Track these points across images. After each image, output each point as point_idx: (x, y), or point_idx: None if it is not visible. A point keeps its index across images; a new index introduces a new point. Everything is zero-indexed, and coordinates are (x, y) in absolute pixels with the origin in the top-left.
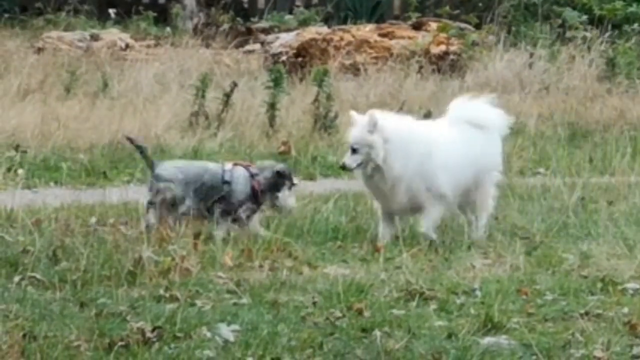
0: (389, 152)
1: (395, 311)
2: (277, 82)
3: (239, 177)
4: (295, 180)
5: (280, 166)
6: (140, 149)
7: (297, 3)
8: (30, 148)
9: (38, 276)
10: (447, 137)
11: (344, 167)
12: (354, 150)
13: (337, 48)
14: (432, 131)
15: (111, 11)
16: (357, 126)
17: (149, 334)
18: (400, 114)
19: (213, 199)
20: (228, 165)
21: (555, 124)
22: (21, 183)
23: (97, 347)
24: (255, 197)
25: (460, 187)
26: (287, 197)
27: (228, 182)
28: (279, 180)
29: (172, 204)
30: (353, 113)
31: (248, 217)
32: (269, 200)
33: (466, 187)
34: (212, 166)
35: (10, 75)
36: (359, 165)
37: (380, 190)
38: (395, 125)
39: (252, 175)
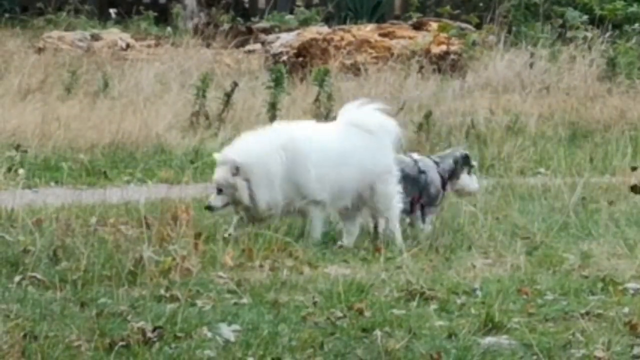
0: (254, 191)
1: (395, 311)
2: (277, 82)
3: (432, 167)
4: (474, 162)
5: (459, 152)
6: None
7: (298, 3)
8: (30, 148)
9: (39, 276)
10: (329, 142)
11: (209, 208)
12: (220, 191)
13: (337, 48)
14: (311, 137)
15: (112, 11)
16: (220, 167)
17: (149, 334)
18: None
19: (413, 191)
20: (416, 156)
21: (555, 123)
22: (22, 183)
23: (98, 347)
24: (443, 186)
25: (346, 191)
26: (469, 181)
27: (424, 172)
28: (459, 166)
29: None
30: (216, 155)
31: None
32: (452, 187)
33: (356, 191)
34: (403, 157)
35: (10, 75)
36: (225, 205)
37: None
38: (254, 158)
39: (437, 164)
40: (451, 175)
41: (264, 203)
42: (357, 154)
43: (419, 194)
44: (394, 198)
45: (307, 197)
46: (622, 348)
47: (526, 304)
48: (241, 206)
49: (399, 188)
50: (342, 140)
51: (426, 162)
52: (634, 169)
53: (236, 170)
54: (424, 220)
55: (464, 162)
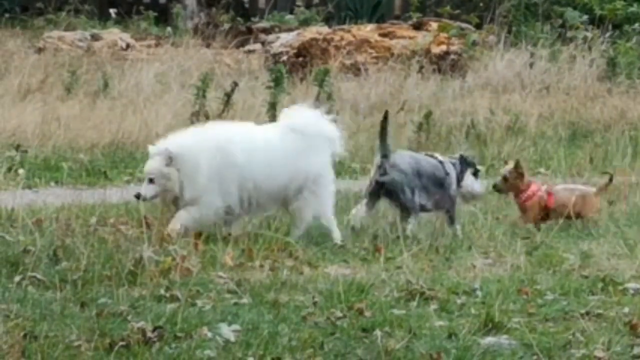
0: (183, 180)
1: (395, 311)
2: (277, 82)
3: (452, 169)
4: (479, 167)
5: (462, 154)
6: (384, 134)
7: (298, 3)
8: (30, 148)
9: (39, 276)
10: (262, 144)
11: (138, 197)
12: (151, 180)
13: (337, 48)
14: (243, 139)
15: (112, 11)
16: (154, 157)
17: (149, 334)
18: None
19: (438, 192)
20: (440, 157)
21: (555, 123)
22: (22, 183)
23: (98, 347)
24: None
25: (274, 192)
26: (472, 184)
27: (448, 174)
28: (462, 168)
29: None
30: (150, 146)
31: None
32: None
33: (285, 193)
34: (431, 159)
35: (10, 75)
36: (154, 196)
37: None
38: (189, 151)
39: (454, 165)
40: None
41: (188, 194)
42: (289, 157)
43: (442, 195)
44: (327, 199)
45: (225, 197)
46: (622, 348)
47: (526, 304)
48: (170, 196)
49: (332, 189)
50: (275, 143)
51: (449, 165)
52: (604, 172)
53: (170, 161)
54: (452, 222)
55: (468, 164)
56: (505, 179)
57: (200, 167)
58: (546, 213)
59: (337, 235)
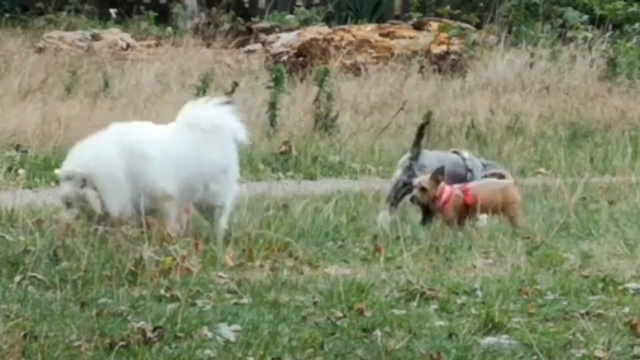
0: (104, 199)
1: (396, 311)
2: (277, 82)
3: (478, 167)
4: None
5: (499, 170)
6: (419, 138)
7: (298, 3)
8: (31, 148)
9: (39, 276)
10: (168, 141)
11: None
12: (69, 204)
13: (338, 48)
14: (147, 138)
15: (112, 11)
16: (66, 182)
17: (149, 334)
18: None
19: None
20: (466, 154)
21: (556, 123)
22: (22, 183)
23: (98, 347)
24: None
25: (186, 189)
26: None
27: (470, 171)
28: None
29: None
30: (57, 171)
31: None
32: None
33: (193, 189)
34: (452, 155)
35: (11, 75)
36: (75, 217)
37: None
38: (100, 167)
39: (484, 167)
40: None
41: (115, 209)
42: (194, 152)
43: None
44: (227, 196)
45: (155, 197)
46: (623, 348)
47: (526, 304)
48: (94, 214)
49: (235, 186)
50: (177, 140)
51: (474, 162)
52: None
53: (83, 182)
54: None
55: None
56: (423, 189)
57: (117, 179)
58: (466, 210)
59: (220, 230)
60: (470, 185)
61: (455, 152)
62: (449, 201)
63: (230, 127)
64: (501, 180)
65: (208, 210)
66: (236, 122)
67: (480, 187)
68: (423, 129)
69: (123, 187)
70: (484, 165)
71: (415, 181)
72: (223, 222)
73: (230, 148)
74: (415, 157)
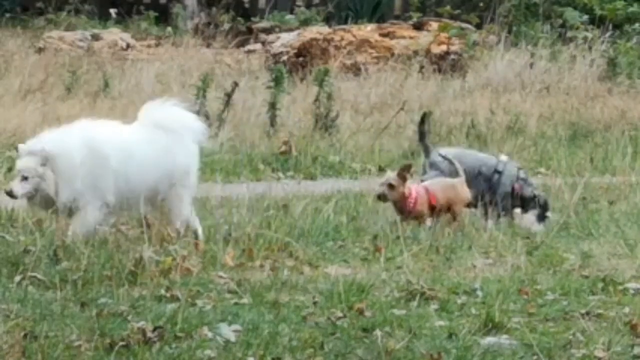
0: (58, 182)
1: (396, 311)
2: (278, 82)
3: (511, 172)
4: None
5: (537, 194)
6: (422, 135)
7: (298, 3)
8: None
9: (39, 276)
10: (130, 143)
11: (10, 194)
12: (25, 178)
13: (338, 48)
14: (112, 137)
15: (112, 11)
16: (29, 156)
17: (149, 334)
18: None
19: (483, 188)
20: (503, 157)
21: (556, 123)
22: None
23: (98, 347)
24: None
25: (141, 191)
26: (532, 224)
27: (499, 173)
28: (532, 202)
29: None
30: (21, 145)
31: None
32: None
33: (160, 190)
34: (486, 156)
35: (11, 75)
36: (27, 193)
37: (45, 208)
38: (64, 151)
39: (519, 178)
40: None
41: (65, 197)
42: (159, 153)
43: (488, 191)
44: (188, 198)
45: (97, 196)
46: (623, 348)
47: (526, 304)
48: (43, 197)
49: (194, 189)
50: (143, 140)
51: (508, 166)
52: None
53: (45, 161)
54: (498, 218)
55: (539, 206)
56: (391, 186)
57: (74, 169)
58: (432, 211)
59: (177, 232)
60: (426, 184)
61: (492, 153)
62: (419, 201)
63: (195, 128)
64: (450, 179)
65: (168, 212)
66: (200, 124)
67: (434, 185)
68: (422, 126)
69: (77, 178)
70: (523, 179)
71: (383, 178)
72: (179, 224)
73: (194, 149)
74: (426, 154)
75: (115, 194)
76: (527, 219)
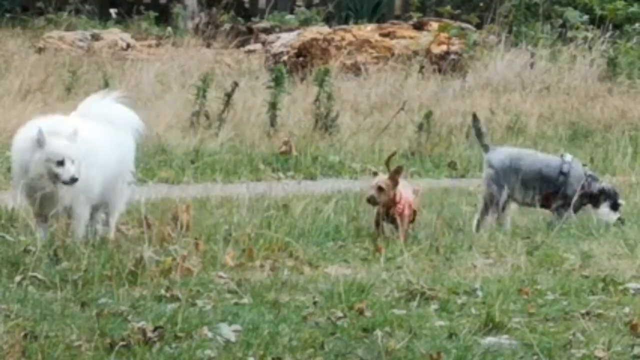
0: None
1: (396, 311)
2: (278, 82)
3: (577, 174)
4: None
5: (603, 186)
6: (479, 134)
7: (298, 3)
8: None
9: (39, 276)
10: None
11: (73, 180)
12: (73, 162)
13: (338, 48)
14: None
15: (112, 11)
16: (70, 138)
17: (150, 334)
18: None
19: (547, 189)
20: (568, 158)
21: (556, 123)
22: None
23: (98, 346)
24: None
25: (105, 188)
26: (608, 215)
27: (564, 174)
28: (602, 196)
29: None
30: (46, 126)
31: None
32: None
33: (109, 188)
34: (549, 156)
35: (11, 75)
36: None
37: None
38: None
39: (587, 176)
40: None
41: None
42: (111, 147)
43: (553, 193)
44: (125, 195)
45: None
46: (623, 348)
47: (527, 304)
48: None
49: (129, 187)
50: (98, 135)
51: (574, 166)
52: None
53: (75, 136)
54: (558, 218)
55: (609, 197)
56: (380, 189)
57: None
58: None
59: (112, 231)
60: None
61: (561, 154)
62: (406, 207)
63: (137, 123)
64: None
65: (106, 210)
66: (138, 119)
67: (406, 188)
68: (476, 125)
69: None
70: (590, 177)
71: (373, 181)
72: (114, 223)
73: (133, 145)
74: (485, 152)
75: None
76: (601, 213)
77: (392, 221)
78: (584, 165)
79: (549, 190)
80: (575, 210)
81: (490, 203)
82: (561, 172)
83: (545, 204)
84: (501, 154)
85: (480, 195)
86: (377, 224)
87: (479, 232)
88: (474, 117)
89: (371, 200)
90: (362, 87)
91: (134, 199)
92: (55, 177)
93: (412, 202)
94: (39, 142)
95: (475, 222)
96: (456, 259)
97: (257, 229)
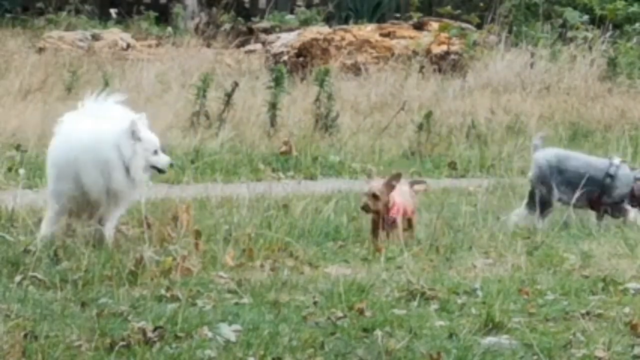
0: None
1: (396, 311)
2: (278, 82)
3: (624, 176)
4: None
5: None
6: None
7: (299, 3)
8: (31, 148)
9: (39, 276)
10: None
11: (172, 166)
12: (164, 151)
13: (338, 48)
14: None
15: (112, 11)
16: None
17: (150, 334)
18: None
19: (593, 191)
20: (616, 161)
21: (556, 123)
22: (22, 183)
23: (98, 347)
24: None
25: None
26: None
27: (611, 177)
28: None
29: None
30: (136, 117)
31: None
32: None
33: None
34: (596, 159)
35: (11, 74)
36: None
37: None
38: None
39: (636, 179)
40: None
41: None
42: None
43: (598, 194)
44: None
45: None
46: (623, 348)
47: (527, 303)
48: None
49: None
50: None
51: (622, 169)
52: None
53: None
54: (600, 219)
55: None
56: (375, 196)
57: None
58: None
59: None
60: (395, 193)
61: (609, 156)
62: (399, 213)
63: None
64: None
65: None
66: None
67: (404, 193)
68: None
69: None
70: (639, 179)
71: (367, 188)
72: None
73: None
74: (534, 152)
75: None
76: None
77: (387, 227)
78: (634, 169)
79: (595, 192)
80: (621, 213)
81: (542, 205)
82: (608, 175)
83: (593, 206)
84: (548, 154)
85: (527, 191)
86: (374, 231)
87: (515, 226)
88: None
89: (365, 208)
90: (362, 87)
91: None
92: (150, 168)
93: (407, 207)
94: (134, 134)
95: (512, 216)
96: (456, 259)
97: (257, 229)
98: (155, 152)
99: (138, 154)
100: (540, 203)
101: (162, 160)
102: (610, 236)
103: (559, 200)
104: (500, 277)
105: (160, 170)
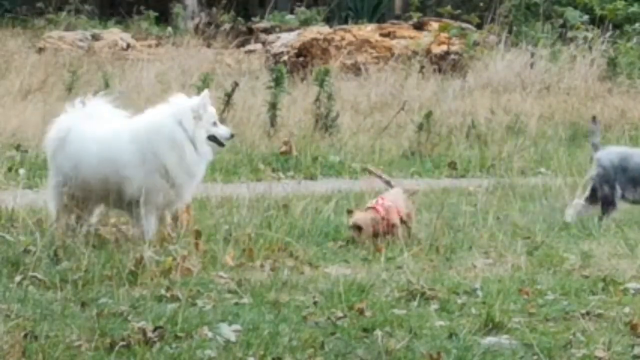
0: None
1: (396, 311)
2: (278, 82)
3: None
4: None
5: None
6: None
7: (299, 3)
8: (31, 148)
9: (39, 276)
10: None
11: (232, 136)
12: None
13: (338, 48)
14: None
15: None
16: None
17: (150, 334)
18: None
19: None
20: None
21: (556, 123)
22: (22, 183)
23: (98, 346)
24: None
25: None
26: None
27: None
28: None
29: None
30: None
31: None
32: None
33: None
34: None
35: (11, 75)
36: None
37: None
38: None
39: None
40: None
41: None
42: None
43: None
44: None
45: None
46: (623, 348)
47: (527, 303)
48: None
49: None
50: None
51: None
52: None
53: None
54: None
55: None
56: (359, 228)
57: None
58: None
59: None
60: (390, 198)
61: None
62: (393, 217)
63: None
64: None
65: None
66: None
67: (397, 200)
68: (592, 126)
69: None
70: None
71: (351, 220)
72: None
73: None
74: (595, 151)
75: None
76: None
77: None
78: None
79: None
80: None
81: (605, 204)
82: None
83: None
84: (610, 153)
85: (588, 186)
86: (374, 234)
87: (572, 220)
88: (594, 119)
89: (354, 239)
90: (362, 87)
91: None
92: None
93: (400, 210)
94: (197, 111)
95: (570, 210)
96: (456, 259)
97: (257, 229)
98: (215, 124)
99: (200, 128)
100: (603, 202)
101: (221, 130)
102: (610, 236)
103: (623, 198)
104: (500, 277)
105: (220, 143)
